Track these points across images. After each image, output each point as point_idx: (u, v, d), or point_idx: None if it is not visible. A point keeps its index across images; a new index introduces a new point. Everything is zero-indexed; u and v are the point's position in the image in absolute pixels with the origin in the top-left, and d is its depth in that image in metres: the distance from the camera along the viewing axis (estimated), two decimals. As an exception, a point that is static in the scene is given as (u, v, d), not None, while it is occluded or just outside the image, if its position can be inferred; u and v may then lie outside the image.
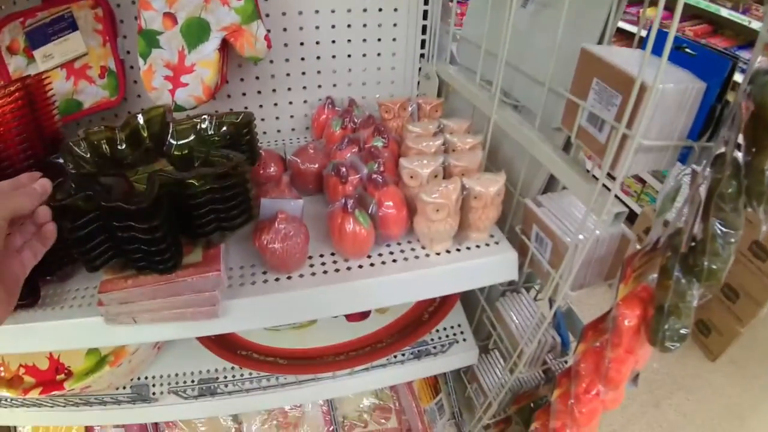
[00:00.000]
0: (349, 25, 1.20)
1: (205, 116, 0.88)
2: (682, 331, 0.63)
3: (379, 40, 1.24)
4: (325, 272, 0.85)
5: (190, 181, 0.71)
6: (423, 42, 1.27)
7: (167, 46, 1.01)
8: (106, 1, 1.09)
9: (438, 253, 0.87)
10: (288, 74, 1.24)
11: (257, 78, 1.24)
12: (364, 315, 1.19)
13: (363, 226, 0.81)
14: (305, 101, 1.29)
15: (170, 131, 0.88)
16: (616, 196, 0.65)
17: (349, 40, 1.22)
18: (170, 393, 1.16)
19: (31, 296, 0.84)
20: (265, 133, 1.31)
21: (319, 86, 1.27)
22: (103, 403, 1.17)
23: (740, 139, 0.54)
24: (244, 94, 1.25)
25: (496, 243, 0.90)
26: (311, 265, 0.86)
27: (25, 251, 0.65)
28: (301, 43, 1.20)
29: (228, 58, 1.08)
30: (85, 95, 1.13)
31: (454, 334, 1.23)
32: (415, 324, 1.15)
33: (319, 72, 1.25)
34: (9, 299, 0.59)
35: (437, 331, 1.23)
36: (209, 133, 0.88)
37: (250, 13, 1.00)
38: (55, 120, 0.93)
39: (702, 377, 2.32)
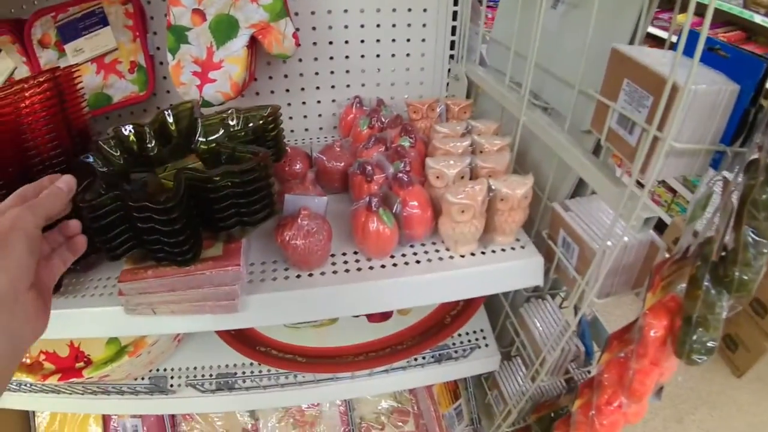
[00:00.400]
0: (378, 25, 1.21)
1: (232, 111, 0.90)
2: (710, 344, 0.62)
3: (408, 40, 1.25)
4: (347, 271, 0.85)
5: (215, 178, 0.72)
6: (452, 43, 1.27)
7: (196, 42, 1.04)
8: None
9: (462, 256, 0.87)
10: (317, 73, 1.26)
11: (286, 76, 1.25)
12: (385, 316, 1.19)
13: (387, 226, 0.82)
14: (333, 100, 1.30)
15: (198, 127, 0.90)
16: (646, 203, 0.64)
17: (378, 40, 1.23)
18: (188, 386, 1.18)
19: None
20: (292, 131, 1.33)
21: (348, 86, 1.28)
22: (120, 392, 1.19)
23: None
24: (272, 92, 1.27)
25: (522, 247, 0.89)
26: (333, 263, 0.87)
27: (55, 259, 0.65)
28: (330, 42, 1.22)
29: (256, 56, 1.10)
30: (115, 90, 1.16)
31: (477, 339, 1.22)
32: (438, 327, 1.15)
33: (347, 71, 1.26)
34: (46, 308, 0.60)
35: (459, 335, 1.23)
36: (236, 128, 0.89)
37: (279, 11, 1.02)
38: (84, 113, 0.95)
39: (726, 393, 2.28)
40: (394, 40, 1.24)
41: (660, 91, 0.56)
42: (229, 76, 1.04)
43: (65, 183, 0.65)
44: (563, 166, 0.85)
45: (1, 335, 0.51)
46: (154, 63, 1.18)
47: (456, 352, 1.17)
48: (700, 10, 0.48)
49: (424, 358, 1.17)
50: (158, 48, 1.18)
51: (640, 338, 0.69)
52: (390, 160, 0.92)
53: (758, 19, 2.55)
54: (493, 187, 0.81)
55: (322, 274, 0.85)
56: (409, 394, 1.43)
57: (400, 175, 0.85)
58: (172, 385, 1.19)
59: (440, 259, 0.87)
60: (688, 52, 0.52)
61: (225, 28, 1.02)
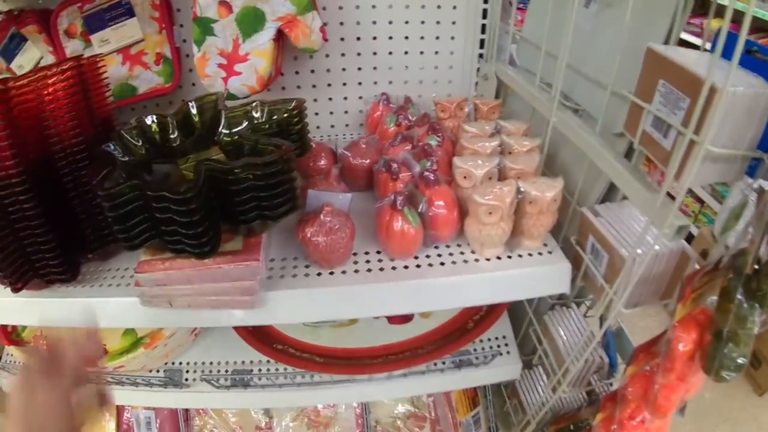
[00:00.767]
0: (406, 22, 1.22)
1: (257, 103, 0.91)
2: (740, 361, 0.61)
3: (437, 38, 1.26)
4: (369, 270, 0.86)
5: (236, 170, 0.73)
6: (482, 42, 1.27)
7: (222, 34, 1.06)
8: None
9: (488, 259, 0.87)
10: (344, 69, 1.27)
11: (312, 71, 1.27)
12: (406, 318, 1.20)
13: (411, 225, 0.82)
14: (360, 97, 1.32)
15: (222, 119, 0.91)
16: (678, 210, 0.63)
17: (406, 37, 1.24)
18: (203, 380, 1.20)
19: (70, 271, 0.88)
20: (318, 127, 1.34)
21: (375, 83, 1.30)
22: (135, 384, 1.21)
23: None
24: (298, 87, 1.29)
25: (550, 252, 0.89)
26: (355, 262, 0.88)
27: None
28: (358, 38, 1.23)
29: (283, 50, 1.11)
30: (140, 81, 1.19)
31: (498, 346, 1.22)
32: (459, 332, 1.15)
33: (375, 68, 1.28)
34: None
35: (481, 341, 1.23)
36: (261, 120, 0.91)
37: (306, 4, 1.03)
38: (108, 103, 0.97)
39: (748, 411, 2.25)
40: (422, 38, 1.25)
41: (697, 93, 0.56)
42: (255, 70, 1.06)
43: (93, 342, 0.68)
44: (593, 169, 0.85)
45: None
46: (180, 55, 1.20)
47: (477, 358, 1.17)
48: (735, 17, 0.48)
49: (443, 363, 1.17)
50: (184, 40, 1.20)
51: (667, 352, 0.69)
52: (416, 158, 0.93)
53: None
54: (522, 189, 0.81)
55: (344, 272, 0.86)
56: (427, 399, 1.44)
57: (427, 173, 0.85)
58: (186, 379, 1.21)
59: (465, 261, 0.87)
60: (726, 55, 0.52)
61: (251, 21, 1.04)
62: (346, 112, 1.34)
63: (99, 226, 0.88)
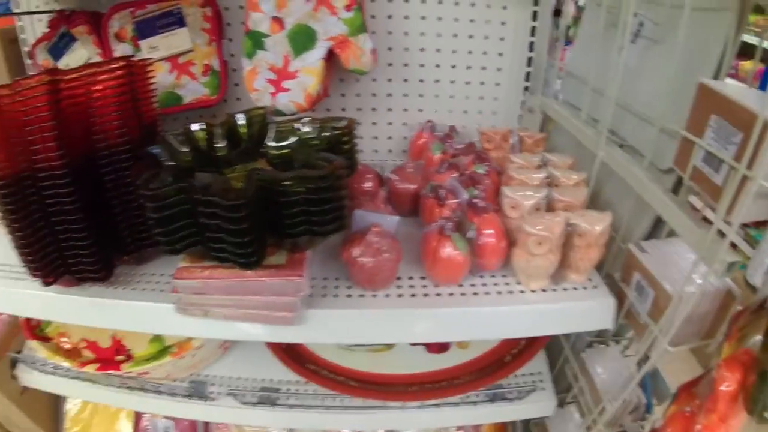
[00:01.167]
0: (454, 51, 1.28)
1: (308, 119, 0.94)
2: (784, 401, 0.62)
3: (484, 68, 1.31)
4: (413, 296, 0.88)
5: (286, 182, 0.75)
6: (527, 75, 1.32)
7: (273, 49, 1.11)
8: (215, 1, 1.20)
9: (533, 291, 0.90)
10: (389, 94, 1.32)
11: (358, 95, 1.32)
12: (443, 347, 1.21)
13: (460, 252, 0.85)
14: (404, 123, 1.37)
15: (271, 132, 0.95)
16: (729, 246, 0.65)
17: (453, 66, 1.30)
18: (228, 395, 1.21)
19: (104, 270, 0.90)
20: (362, 151, 1.36)
21: (420, 110, 1.35)
22: (158, 392, 1.23)
23: None
24: (343, 109, 1.34)
25: (595, 287, 0.92)
26: (398, 287, 0.90)
27: None
28: (405, 65, 1.29)
29: (332, 70, 1.16)
30: (186, 90, 1.23)
31: (533, 382, 1.22)
32: (497, 365, 1.16)
33: (421, 95, 1.33)
34: None
35: (515, 376, 1.23)
36: (310, 136, 0.94)
37: (359, 26, 1.08)
38: (154, 108, 1.00)
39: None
40: (469, 67, 1.30)
41: (750, 128, 0.58)
42: (303, 87, 1.11)
43: None
44: (639, 206, 0.88)
45: None
46: (227, 68, 1.25)
47: (511, 393, 1.18)
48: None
49: (477, 396, 1.18)
50: (232, 55, 1.26)
51: (710, 392, 0.69)
52: (463, 185, 0.96)
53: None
54: (571, 221, 0.84)
55: (387, 296, 0.88)
56: (457, 430, 1.45)
57: (476, 200, 0.89)
58: (211, 392, 1.23)
59: (510, 292, 0.89)
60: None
61: (303, 39, 1.09)
62: (389, 137, 1.39)
63: (137, 229, 0.91)
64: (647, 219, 0.93)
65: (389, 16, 1.24)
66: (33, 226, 0.81)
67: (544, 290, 0.90)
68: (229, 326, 0.88)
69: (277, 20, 1.09)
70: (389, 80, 1.30)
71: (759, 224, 0.75)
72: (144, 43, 1.20)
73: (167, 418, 1.46)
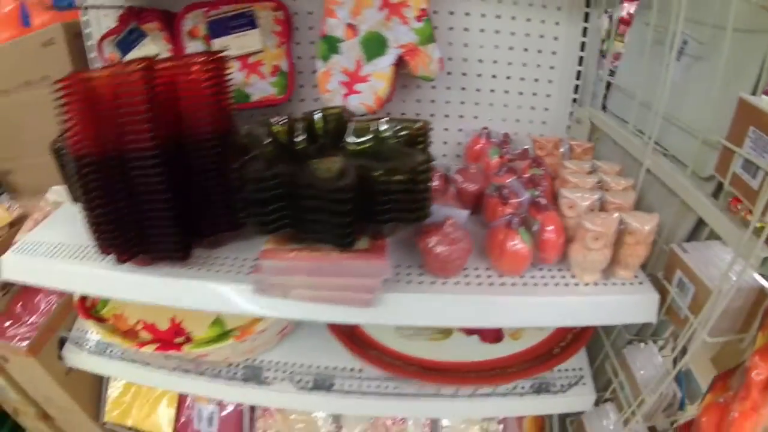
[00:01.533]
0: (509, 63, 1.40)
1: (385, 118, 1.01)
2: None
3: (536, 80, 1.43)
4: (479, 284, 0.99)
5: (378, 172, 0.84)
6: (576, 87, 1.44)
7: (346, 53, 1.23)
8: (286, 6, 1.31)
9: (586, 284, 1.00)
10: (447, 102, 1.45)
11: (418, 101, 1.45)
12: (498, 337, 1.31)
13: (526, 245, 0.97)
14: (460, 129, 1.49)
15: (349, 129, 1.02)
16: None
17: (508, 77, 1.42)
18: (284, 380, 1.30)
19: (183, 251, 0.99)
20: (420, 153, 1.50)
21: (475, 117, 1.47)
22: (215, 375, 1.32)
23: None
24: (403, 114, 1.46)
25: (640, 283, 1.02)
26: (466, 275, 1.01)
27: None
28: (464, 74, 1.41)
29: (397, 76, 1.26)
30: (254, 89, 1.34)
31: (575, 377, 1.31)
32: (545, 356, 1.25)
33: (476, 104, 1.46)
34: None
35: (559, 369, 1.32)
36: (387, 135, 1.00)
37: (428, 35, 1.20)
38: (230, 102, 1.06)
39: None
40: (522, 79, 1.43)
41: None
42: (374, 91, 1.23)
43: None
44: (681, 211, 1.00)
45: None
46: (295, 70, 1.37)
47: (555, 385, 1.27)
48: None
49: (523, 387, 1.27)
50: (299, 57, 1.38)
51: (743, 380, 0.76)
52: (524, 187, 1.08)
53: None
54: (623, 220, 0.95)
55: (456, 284, 0.99)
56: (499, 425, 1.52)
57: (539, 199, 1.01)
58: (266, 377, 1.31)
59: (566, 284, 1.00)
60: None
61: (374, 45, 1.21)
62: (445, 142, 1.51)
63: (216, 213, 0.99)
64: (688, 223, 1.02)
65: (450, 28, 1.37)
66: (116, 204, 0.89)
67: (596, 284, 1.01)
68: (306, 307, 0.95)
69: (351, 27, 1.21)
70: (448, 88, 1.43)
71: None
72: (216, 42, 1.29)
73: (212, 403, 1.54)
